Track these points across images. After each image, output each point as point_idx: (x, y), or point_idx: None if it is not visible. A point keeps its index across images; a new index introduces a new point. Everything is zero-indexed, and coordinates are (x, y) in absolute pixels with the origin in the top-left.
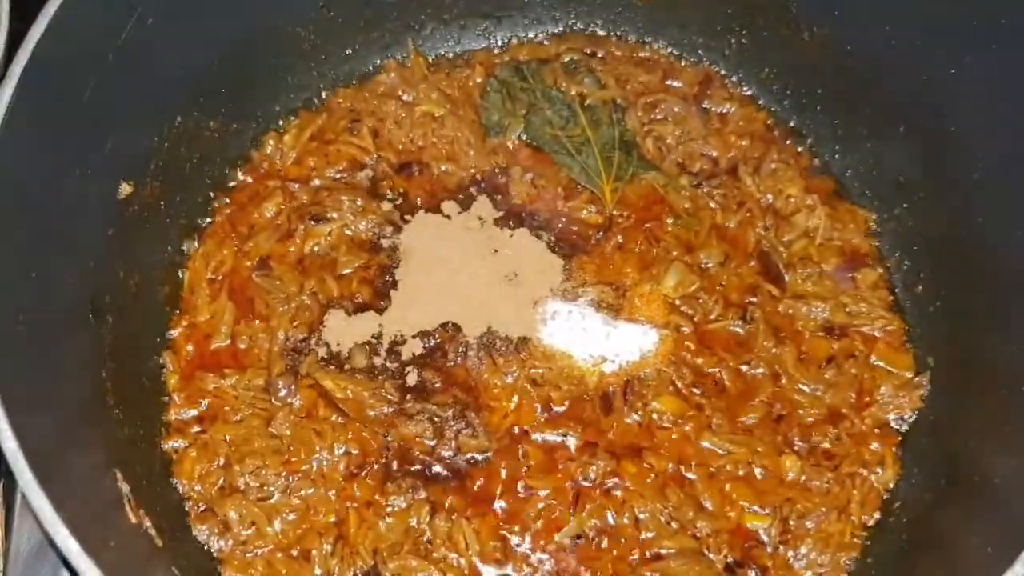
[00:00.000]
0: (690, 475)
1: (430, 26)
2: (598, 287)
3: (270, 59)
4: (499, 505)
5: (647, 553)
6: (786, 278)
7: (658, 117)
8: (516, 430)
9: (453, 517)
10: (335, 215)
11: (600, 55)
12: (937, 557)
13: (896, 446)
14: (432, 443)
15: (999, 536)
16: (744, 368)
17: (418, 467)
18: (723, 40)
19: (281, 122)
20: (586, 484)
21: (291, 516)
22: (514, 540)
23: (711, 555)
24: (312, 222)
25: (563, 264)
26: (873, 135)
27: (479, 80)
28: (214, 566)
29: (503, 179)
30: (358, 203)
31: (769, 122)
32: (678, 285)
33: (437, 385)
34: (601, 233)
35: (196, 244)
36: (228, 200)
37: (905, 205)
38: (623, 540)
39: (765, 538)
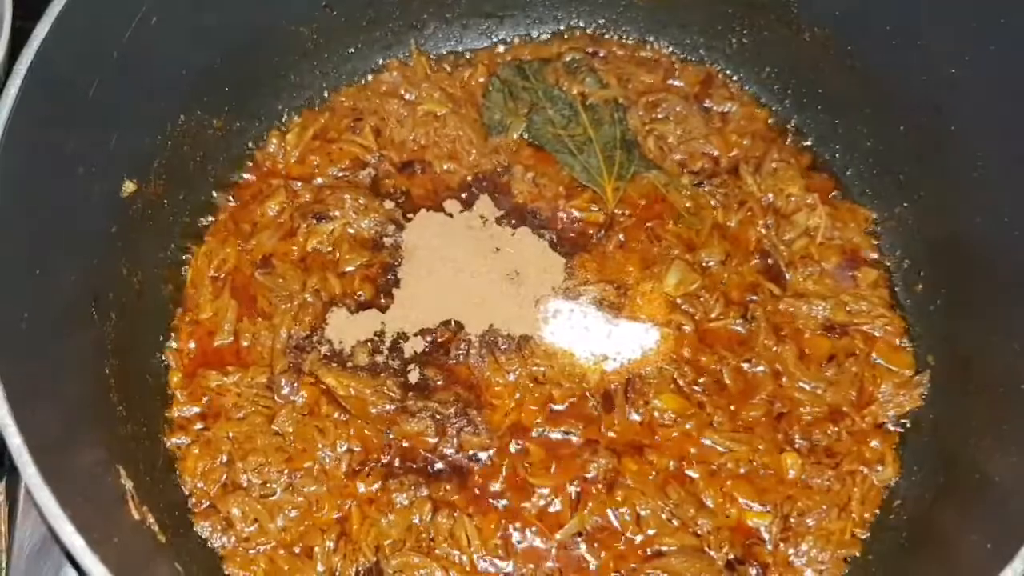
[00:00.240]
0: (691, 473)
1: (432, 25)
2: (600, 285)
3: (273, 58)
4: (501, 502)
5: (648, 550)
6: (787, 277)
7: (659, 116)
8: (518, 428)
9: (455, 514)
10: (337, 213)
11: (602, 54)
12: (937, 554)
13: (896, 444)
14: (434, 441)
15: (998, 533)
16: (745, 366)
17: (420, 464)
18: (724, 40)
19: (284, 120)
20: (587, 481)
21: (293, 513)
22: (515, 537)
23: (712, 552)
24: (315, 220)
25: (565, 262)
26: (873, 134)
27: (481, 79)
28: (217, 563)
29: (505, 178)
30: (360, 201)
31: (770, 121)
32: (679, 284)
33: (439, 383)
34: (603, 232)
35: (199, 242)
36: (231, 198)
37: (905, 204)
38: (624, 537)
39: (766, 535)
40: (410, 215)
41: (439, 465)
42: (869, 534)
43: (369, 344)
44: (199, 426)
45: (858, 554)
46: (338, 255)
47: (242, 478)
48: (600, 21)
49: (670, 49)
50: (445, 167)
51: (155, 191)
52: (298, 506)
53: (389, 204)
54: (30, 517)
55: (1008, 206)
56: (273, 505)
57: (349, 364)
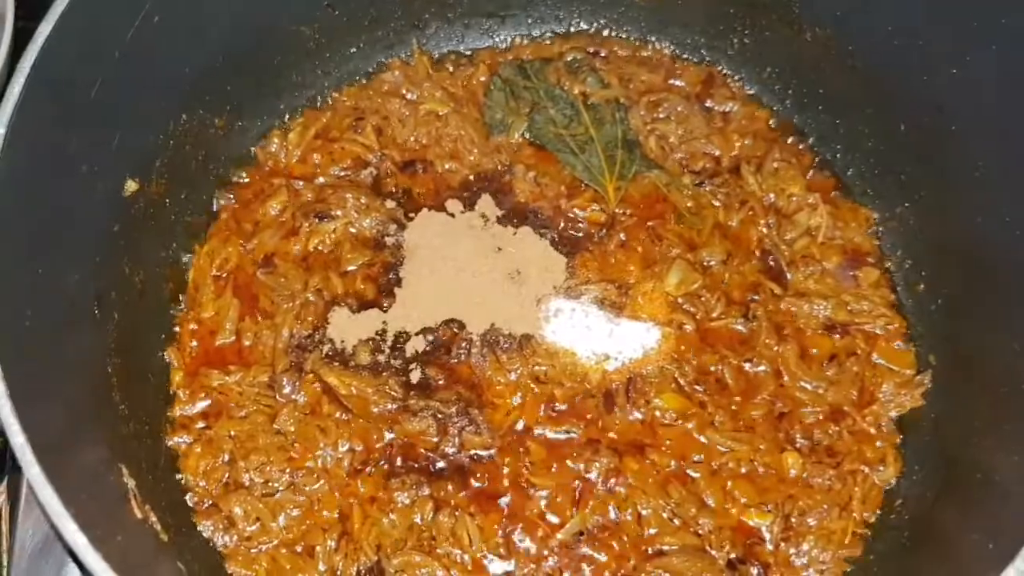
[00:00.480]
0: (692, 472)
1: (434, 25)
2: (601, 285)
3: (275, 57)
4: (502, 501)
5: (649, 549)
6: (788, 276)
7: (661, 116)
8: (519, 427)
9: (456, 513)
10: (339, 213)
11: (603, 54)
12: (938, 553)
13: (897, 444)
14: (436, 440)
15: (1000, 533)
16: (746, 366)
17: (422, 464)
18: (726, 39)
19: (286, 119)
20: (589, 481)
21: (295, 512)
22: (517, 536)
23: (713, 552)
24: (316, 220)
25: (566, 262)
26: (875, 134)
27: (483, 79)
28: (219, 561)
29: (506, 177)
30: (362, 201)
31: (771, 121)
32: (681, 283)
33: (441, 382)
34: (604, 231)
35: (201, 241)
36: (233, 197)
37: (906, 204)
38: (625, 537)
39: (767, 535)
40: (412, 214)
41: (441, 464)
42: (870, 534)
43: (371, 343)
44: (201, 425)
45: (859, 553)
46: (340, 254)
47: (244, 477)
48: (602, 21)
49: (671, 49)
50: (447, 166)
51: (157, 190)
52: (300, 505)
53: (391, 203)
54: (31, 516)
55: (1008, 206)
56: (275, 504)
57: (351, 363)
